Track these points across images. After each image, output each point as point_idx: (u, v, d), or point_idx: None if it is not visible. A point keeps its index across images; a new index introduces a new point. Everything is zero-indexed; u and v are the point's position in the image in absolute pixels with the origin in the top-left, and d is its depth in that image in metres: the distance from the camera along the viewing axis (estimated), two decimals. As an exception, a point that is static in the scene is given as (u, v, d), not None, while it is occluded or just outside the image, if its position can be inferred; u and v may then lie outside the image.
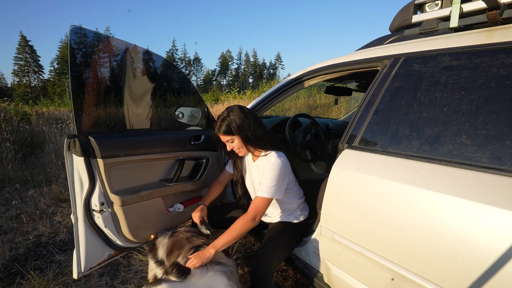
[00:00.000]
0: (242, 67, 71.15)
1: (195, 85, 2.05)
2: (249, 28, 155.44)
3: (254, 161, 1.52)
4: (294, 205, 1.51)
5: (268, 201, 1.33)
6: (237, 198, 1.65)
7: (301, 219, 1.53)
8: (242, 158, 1.59)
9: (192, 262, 1.21)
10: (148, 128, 1.71)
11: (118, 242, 1.49)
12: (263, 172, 1.38)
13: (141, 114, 1.67)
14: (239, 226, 1.30)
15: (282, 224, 1.49)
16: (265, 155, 1.43)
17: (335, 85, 2.69)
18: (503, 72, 0.89)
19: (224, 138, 1.41)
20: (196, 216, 1.50)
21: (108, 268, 1.99)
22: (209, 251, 1.25)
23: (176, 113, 1.76)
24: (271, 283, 1.22)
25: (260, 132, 1.40)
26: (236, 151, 1.45)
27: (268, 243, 1.36)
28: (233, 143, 1.41)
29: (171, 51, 60.56)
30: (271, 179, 1.32)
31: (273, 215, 1.55)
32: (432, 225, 0.88)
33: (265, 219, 1.59)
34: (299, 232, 1.49)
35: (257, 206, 1.32)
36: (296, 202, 1.52)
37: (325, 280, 1.33)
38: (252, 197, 1.61)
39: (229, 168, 1.67)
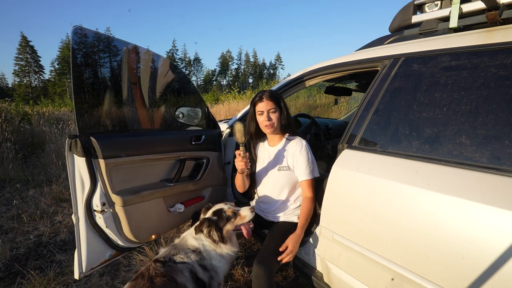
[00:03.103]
0: (242, 67, 71.14)
1: (195, 85, 2.08)
2: (249, 28, 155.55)
3: (271, 146, 1.56)
4: (298, 204, 1.52)
5: (314, 181, 1.46)
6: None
7: None
8: (255, 146, 1.63)
9: (292, 251, 1.30)
10: (149, 128, 1.71)
11: (119, 242, 1.49)
12: (297, 156, 1.44)
13: (142, 114, 1.68)
14: (309, 211, 1.41)
15: (284, 224, 1.49)
16: (289, 139, 1.50)
17: (335, 85, 2.69)
18: (503, 72, 0.89)
19: (268, 105, 1.43)
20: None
21: (109, 268, 2.00)
22: (298, 240, 1.34)
23: (177, 113, 1.76)
24: (273, 284, 1.23)
25: (292, 118, 1.55)
26: (269, 124, 1.44)
27: (271, 244, 1.36)
28: (274, 114, 1.44)
29: (171, 51, 60.59)
30: (310, 161, 1.44)
31: (275, 213, 1.55)
32: (432, 225, 0.88)
33: (267, 217, 1.59)
34: None
35: (310, 188, 1.44)
36: (299, 201, 1.53)
37: (325, 280, 1.34)
38: (260, 184, 1.59)
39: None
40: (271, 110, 1.43)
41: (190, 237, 1.36)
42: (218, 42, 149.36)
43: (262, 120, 1.45)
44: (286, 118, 1.49)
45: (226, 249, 1.36)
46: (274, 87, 1.92)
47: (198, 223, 1.35)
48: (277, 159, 1.51)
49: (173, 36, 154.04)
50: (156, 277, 1.13)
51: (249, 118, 1.56)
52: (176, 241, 1.40)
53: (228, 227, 1.37)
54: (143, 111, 1.69)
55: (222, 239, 1.34)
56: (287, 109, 1.50)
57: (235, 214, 1.38)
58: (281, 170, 1.49)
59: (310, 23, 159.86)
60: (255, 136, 1.58)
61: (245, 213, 1.39)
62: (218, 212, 1.38)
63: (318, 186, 1.56)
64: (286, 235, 1.41)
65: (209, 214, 1.40)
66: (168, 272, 1.16)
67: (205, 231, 1.33)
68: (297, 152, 1.44)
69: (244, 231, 1.40)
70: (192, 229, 1.40)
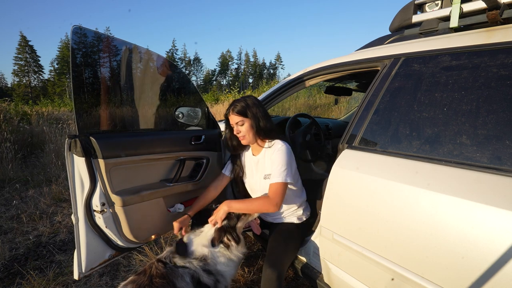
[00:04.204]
0: (242, 67, 71.15)
1: (195, 85, 2.08)
2: (249, 28, 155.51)
3: (255, 155, 1.54)
4: (297, 205, 1.51)
5: (284, 186, 1.33)
6: (236, 197, 1.65)
7: (304, 219, 1.53)
8: (241, 155, 1.60)
9: (212, 220, 1.36)
10: (149, 128, 1.71)
11: (119, 243, 1.49)
12: (271, 160, 1.40)
13: (142, 114, 1.67)
14: (259, 204, 1.35)
15: (286, 226, 1.48)
16: (269, 146, 1.46)
17: (335, 85, 2.69)
18: (503, 72, 0.89)
19: (235, 119, 1.43)
20: (176, 227, 1.44)
21: (108, 268, 1.99)
22: (223, 207, 1.34)
23: (176, 113, 1.76)
24: (283, 286, 1.23)
25: (270, 123, 1.47)
26: (241, 137, 1.46)
27: (276, 246, 1.35)
28: (242, 127, 1.44)
29: (171, 51, 60.57)
30: (282, 164, 1.35)
31: (276, 214, 1.54)
32: (432, 225, 0.88)
33: (266, 218, 1.59)
34: (303, 232, 1.49)
35: (275, 191, 1.32)
36: (299, 201, 1.52)
37: (325, 280, 1.33)
38: (253, 194, 1.60)
39: (226, 171, 1.65)
40: (239, 123, 1.44)
41: (199, 246, 1.31)
42: (218, 42, 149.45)
43: (235, 132, 1.48)
44: (261, 124, 1.43)
45: (236, 251, 1.35)
46: (274, 87, 1.92)
47: (214, 235, 1.33)
48: (261, 168, 1.50)
49: (173, 36, 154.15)
50: (156, 277, 1.13)
51: (225, 129, 1.58)
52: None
53: (239, 224, 1.39)
54: (143, 111, 1.68)
55: (238, 239, 1.35)
56: (263, 115, 1.44)
57: (239, 217, 1.39)
58: (267, 179, 1.45)
59: (310, 23, 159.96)
60: (239, 146, 1.56)
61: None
62: (227, 214, 1.37)
63: (318, 186, 1.56)
64: (289, 237, 1.41)
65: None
66: (168, 275, 1.16)
67: (225, 239, 1.33)
68: (273, 154, 1.40)
69: (254, 228, 1.46)
70: (200, 236, 1.37)
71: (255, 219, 1.46)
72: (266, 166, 1.46)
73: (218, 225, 1.34)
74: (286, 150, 1.39)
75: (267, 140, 1.48)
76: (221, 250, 1.32)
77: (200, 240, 1.35)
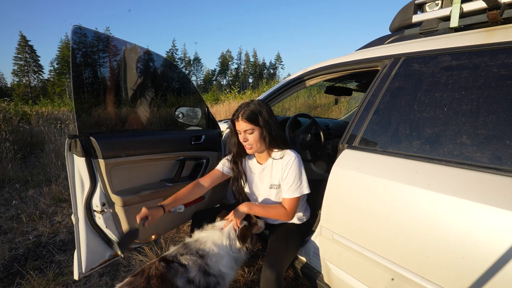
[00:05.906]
0: (242, 67, 71.18)
1: (195, 85, 2.07)
2: (249, 28, 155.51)
3: (260, 163, 1.46)
4: (299, 207, 1.50)
5: (299, 199, 1.37)
6: (239, 201, 1.60)
7: (304, 219, 1.53)
8: (242, 160, 1.53)
9: (230, 218, 1.38)
10: (149, 128, 1.71)
11: (119, 243, 1.49)
12: (284, 174, 1.34)
13: (142, 114, 1.67)
14: (277, 213, 1.37)
15: (286, 227, 1.47)
16: (280, 157, 1.38)
17: (335, 85, 2.69)
18: (503, 72, 0.89)
19: (243, 126, 1.31)
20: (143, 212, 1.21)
21: (108, 268, 1.99)
22: (243, 208, 1.37)
23: (176, 113, 1.76)
24: (282, 286, 1.23)
25: (281, 132, 1.39)
26: (247, 146, 1.35)
27: (277, 246, 1.34)
28: (251, 135, 1.32)
29: (171, 51, 60.59)
30: (297, 178, 1.34)
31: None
32: (432, 225, 0.88)
33: (266, 220, 1.58)
34: (303, 232, 1.49)
35: (292, 206, 1.36)
36: (300, 203, 1.51)
37: (325, 280, 1.33)
38: (255, 197, 1.57)
39: (222, 169, 1.53)
40: (248, 131, 1.31)
41: (210, 243, 1.30)
42: (218, 42, 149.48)
43: (241, 140, 1.37)
44: (273, 133, 1.34)
45: (243, 254, 1.37)
46: (274, 87, 1.92)
47: (239, 234, 1.33)
48: (267, 177, 1.44)
49: (173, 36, 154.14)
50: (154, 278, 1.11)
51: (230, 134, 1.45)
52: (188, 240, 1.35)
53: (252, 232, 1.42)
54: (143, 111, 1.68)
55: (251, 244, 1.39)
56: (273, 122, 1.34)
57: (256, 222, 1.44)
58: (273, 188, 1.43)
59: (310, 23, 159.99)
60: (244, 153, 1.46)
61: (261, 224, 1.47)
62: (247, 217, 1.40)
63: (318, 186, 1.56)
64: (289, 238, 1.41)
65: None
66: (167, 275, 1.14)
67: (248, 241, 1.35)
68: (286, 168, 1.34)
69: (253, 240, 1.49)
70: (212, 232, 1.34)
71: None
72: (273, 176, 1.41)
73: (238, 225, 1.35)
74: (298, 162, 1.34)
75: (275, 150, 1.40)
76: (229, 251, 1.32)
77: (216, 237, 1.32)
